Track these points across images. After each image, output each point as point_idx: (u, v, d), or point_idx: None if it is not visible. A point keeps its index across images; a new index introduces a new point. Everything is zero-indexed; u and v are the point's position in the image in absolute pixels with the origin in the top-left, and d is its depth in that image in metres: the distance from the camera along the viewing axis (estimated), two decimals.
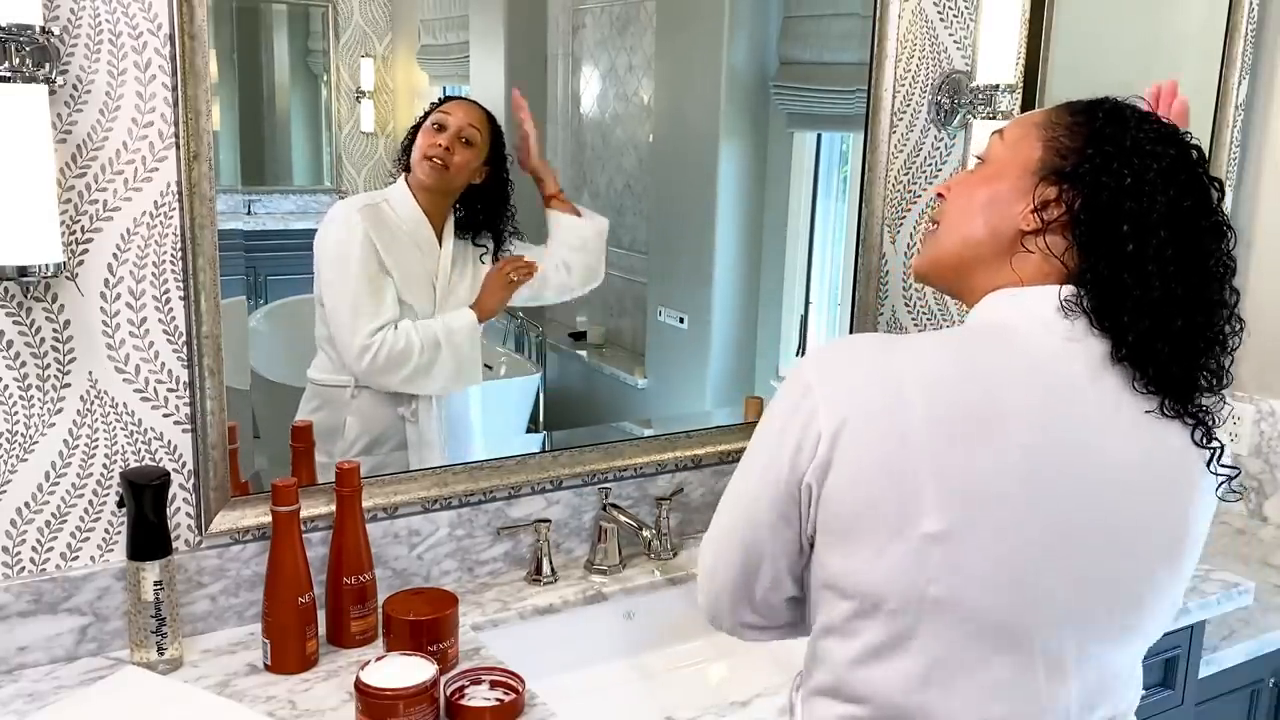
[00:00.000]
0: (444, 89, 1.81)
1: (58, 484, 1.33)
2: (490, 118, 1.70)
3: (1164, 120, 1.00)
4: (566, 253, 1.80)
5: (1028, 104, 1.96)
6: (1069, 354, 0.94)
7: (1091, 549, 0.93)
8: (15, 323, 1.27)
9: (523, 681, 1.28)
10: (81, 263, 1.29)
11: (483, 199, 1.72)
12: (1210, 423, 0.97)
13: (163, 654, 1.33)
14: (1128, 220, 0.93)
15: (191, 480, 1.40)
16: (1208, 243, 0.95)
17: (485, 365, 1.88)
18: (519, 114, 1.74)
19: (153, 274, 1.34)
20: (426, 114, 1.68)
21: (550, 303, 1.87)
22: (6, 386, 1.28)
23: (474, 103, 1.71)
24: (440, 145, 1.65)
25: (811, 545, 0.97)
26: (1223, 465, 0.96)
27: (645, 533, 1.66)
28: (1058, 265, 0.97)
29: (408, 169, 1.67)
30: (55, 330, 1.29)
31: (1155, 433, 0.94)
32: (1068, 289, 0.96)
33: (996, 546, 0.91)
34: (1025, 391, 0.93)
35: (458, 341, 1.68)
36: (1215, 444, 0.96)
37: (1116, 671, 0.99)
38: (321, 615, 1.40)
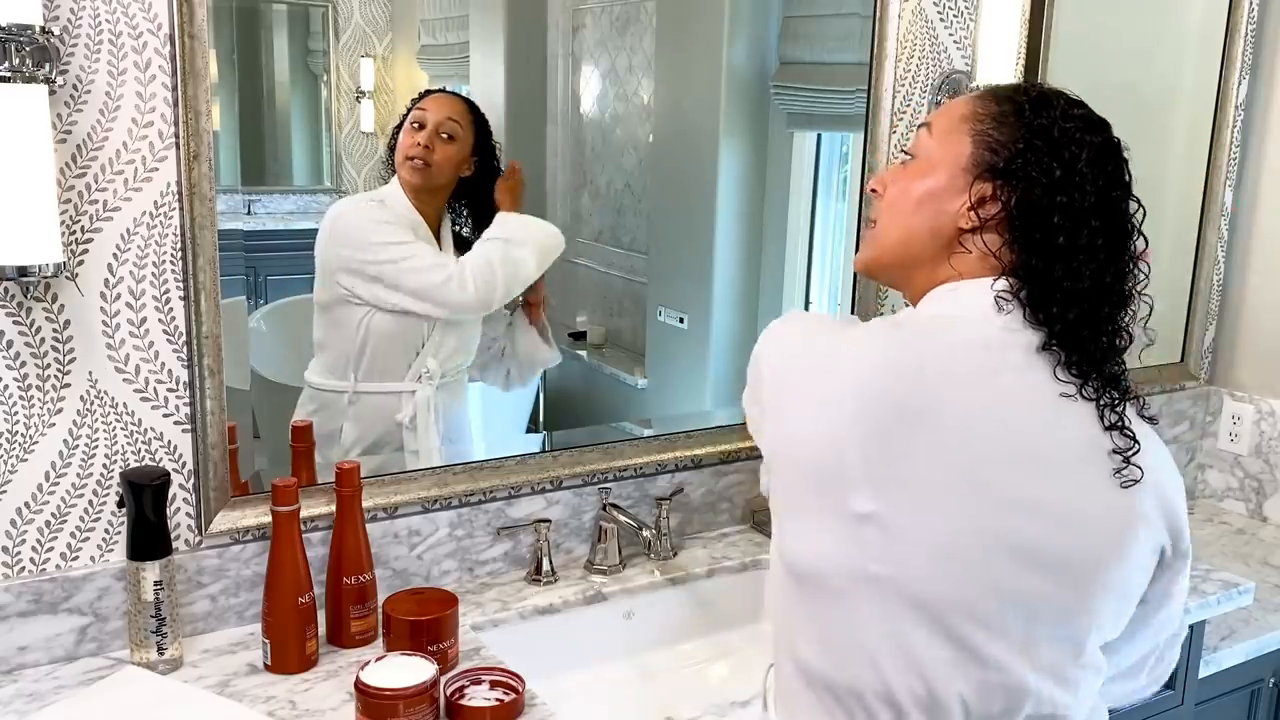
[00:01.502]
0: (444, 90, 1.81)
1: (58, 484, 1.33)
2: (472, 108, 1.67)
3: (1090, 108, 1.01)
4: (519, 362, 1.82)
5: None
6: (1006, 344, 0.96)
7: (1033, 532, 0.95)
8: (15, 323, 1.27)
9: (523, 681, 1.28)
10: (81, 263, 1.29)
11: (474, 191, 1.69)
12: (1140, 409, 1.00)
13: (163, 654, 1.33)
14: (1060, 213, 0.95)
15: (191, 480, 1.40)
16: (1131, 231, 0.98)
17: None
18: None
19: (153, 274, 1.34)
20: (407, 111, 1.65)
21: (489, 383, 1.86)
22: (6, 386, 1.28)
23: (453, 95, 1.69)
24: (419, 144, 1.63)
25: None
26: (1117, 452, 0.96)
27: (645, 533, 1.66)
28: (994, 263, 0.99)
29: (395, 170, 1.65)
30: (55, 330, 1.29)
31: (1085, 421, 0.96)
32: (1001, 283, 0.98)
33: (933, 528, 0.93)
34: (963, 381, 0.95)
35: (515, 242, 1.66)
36: (1125, 430, 0.97)
37: (1071, 655, 1.00)
38: (321, 615, 1.40)
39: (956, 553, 0.93)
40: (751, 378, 1.08)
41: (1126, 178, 0.99)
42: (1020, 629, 0.96)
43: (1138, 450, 0.97)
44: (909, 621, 0.94)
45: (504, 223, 1.68)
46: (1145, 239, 1.00)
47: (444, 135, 1.64)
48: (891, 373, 0.95)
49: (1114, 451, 0.96)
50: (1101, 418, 0.96)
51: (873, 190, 1.11)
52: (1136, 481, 0.97)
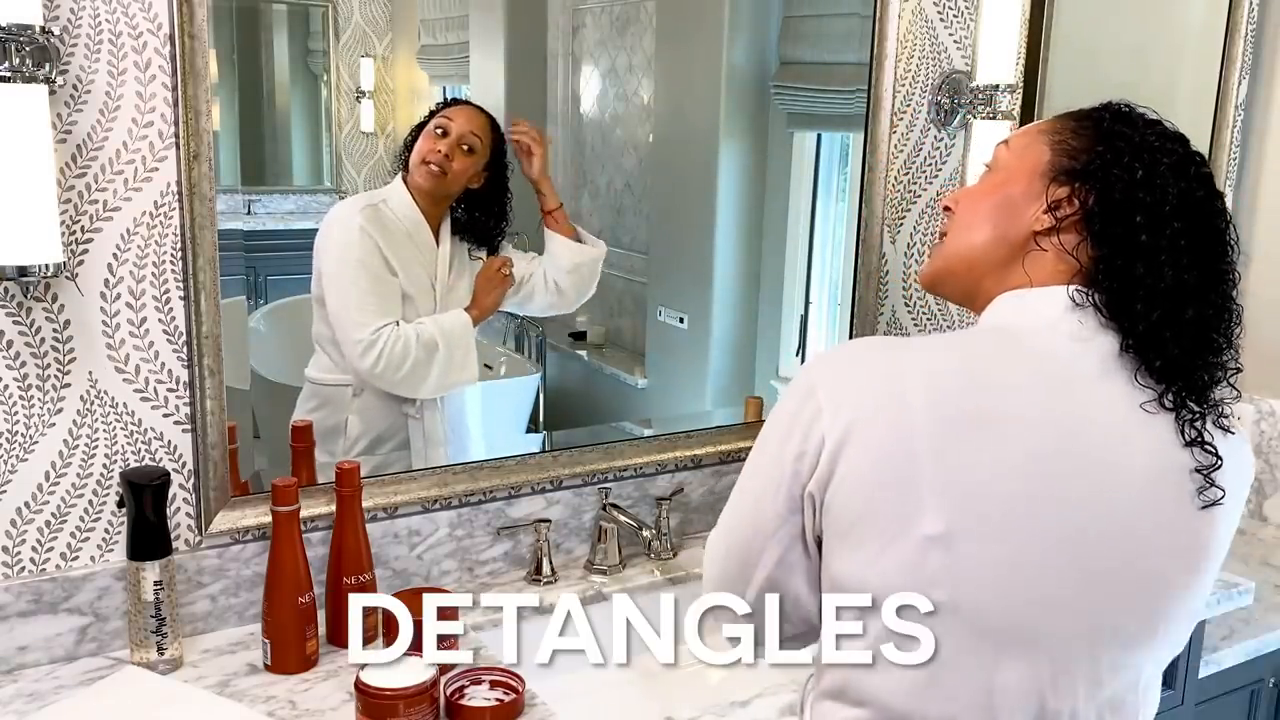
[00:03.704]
0: (444, 89, 1.81)
1: (58, 484, 1.33)
2: (493, 123, 1.69)
3: (1168, 123, 1.00)
4: (559, 274, 1.78)
5: (1028, 104, 1.96)
6: (1075, 354, 0.93)
7: (1101, 552, 0.92)
8: (15, 323, 1.27)
9: (523, 681, 1.28)
10: (81, 263, 1.29)
11: (480, 203, 1.71)
12: (1218, 418, 0.96)
13: (163, 654, 1.33)
14: (1141, 211, 0.93)
15: (191, 480, 1.40)
16: (1220, 235, 0.95)
17: (485, 365, 1.89)
18: (520, 137, 1.71)
19: (153, 274, 1.34)
20: (430, 116, 1.67)
21: (536, 314, 1.86)
22: (6, 386, 1.28)
23: (478, 108, 1.70)
24: (440, 151, 1.64)
25: (819, 548, 0.97)
26: (1199, 471, 0.93)
27: (645, 533, 1.66)
28: (1071, 262, 0.96)
29: (406, 169, 1.66)
30: (55, 330, 1.29)
31: (1163, 435, 0.93)
32: (1075, 285, 0.95)
33: (999, 548, 0.90)
34: (1030, 393, 0.92)
35: (453, 343, 1.68)
36: (1206, 446, 0.93)
37: (1130, 682, 0.97)
38: (321, 615, 1.40)
39: (1023, 574, 0.90)
40: (796, 406, 0.96)
41: (1212, 184, 0.97)
42: (1084, 653, 0.93)
43: (1220, 467, 0.93)
44: (971, 648, 0.91)
45: (454, 324, 1.68)
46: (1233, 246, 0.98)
47: (464, 147, 1.66)
48: (960, 380, 0.92)
49: (1196, 470, 0.93)
50: (1181, 433, 0.92)
51: (946, 208, 1.09)
52: (1217, 503, 0.93)
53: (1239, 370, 0.99)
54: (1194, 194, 0.94)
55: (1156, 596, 0.94)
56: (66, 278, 1.28)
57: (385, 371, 1.63)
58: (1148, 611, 0.95)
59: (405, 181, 1.66)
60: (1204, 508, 0.93)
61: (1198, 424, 0.93)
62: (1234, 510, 0.97)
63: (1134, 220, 0.93)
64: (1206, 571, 0.96)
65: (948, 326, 2.03)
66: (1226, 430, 0.97)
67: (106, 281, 1.31)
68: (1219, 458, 0.93)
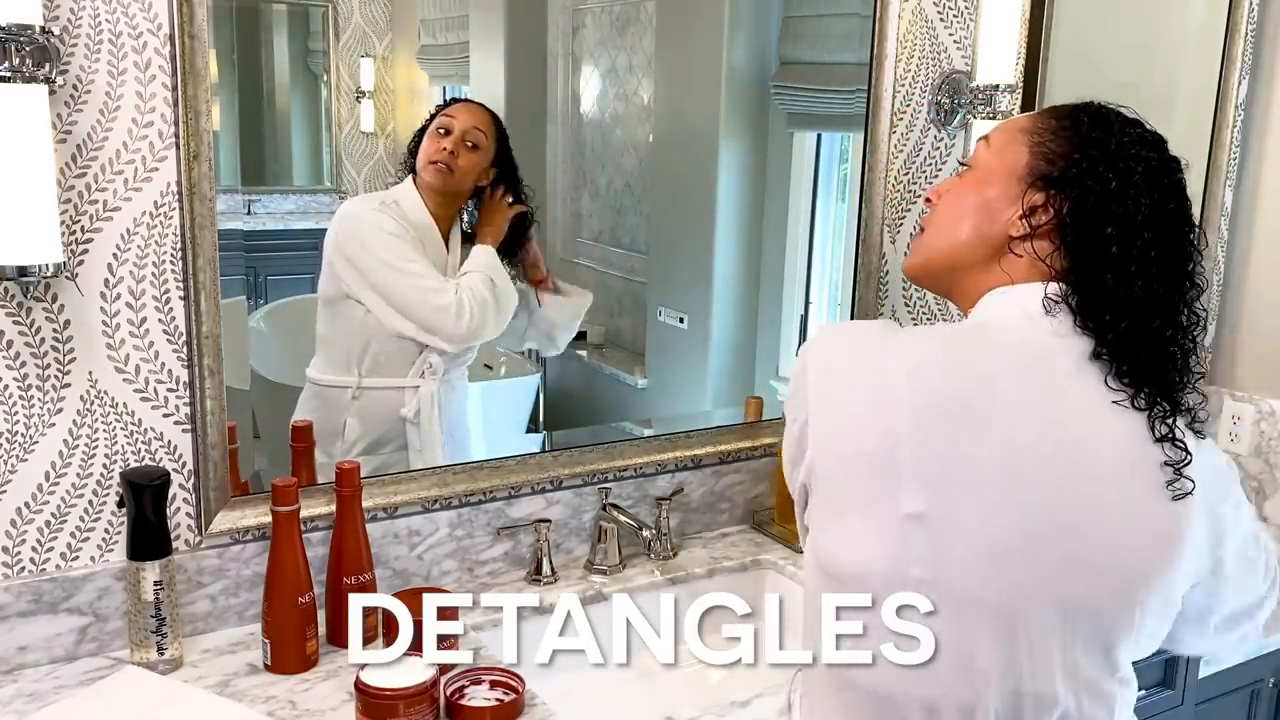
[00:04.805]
0: (444, 89, 1.81)
1: (58, 484, 1.33)
2: (495, 119, 1.70)
3: (1148, 126, 1.02)
4: (550, 326, 1.83)
5: (1028, 104, 1.96)
6: (1055, 348, 0.97)
7: (1075, 537, 0.94)
8: (15, 323, 1.27)
9: (523, 681, 1.28)
10: (81, 263, 1.29)
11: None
12: (1191, 421, 0.98)
13: (163, 654, 1.33)
14: (1112, 223, 0.96)
15: (191, 480, 1.40)
16: (1189, 246, 0.98)
17: (485, 365, 1.89)
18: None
19: (153, 274, 1.34)
20: (431, 117, 1.67)
21: (528, 347, 1.90)
22: (6, 386, 1.28)
23: (479, 105, 1.71)
24: (445, 150, 1.65)
25: (806, 531, 1.01)
26: (1169, 465, 0.96)
27: (645, 533, 1.66)
28: (1044, 268, 0.99)
29: (414, 172, 1.67)
30: (55, 330, 1.29)
31: (1136, 430, 0.96)
32: (1052, 287, 0.98)
33: (979, 529, 0.93)
34: (1012, 383, 0.95)
35: (495, 273, 1.69)
36: (1176, 442, 0.96)
37: (1108, 668, 0.99)
38: (321, 615, 1.40)
39: (1000, 555, 0.93)
40: (794, 385, 1.03)
41: (1184, 194, 0.99)
42: (1058, 636, 0.95)
43: (1189, 461, 0.96)
44: (950, 628, 0.93)
45: (484, 256, 1.69)
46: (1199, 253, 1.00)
47: (469, 144, 1.66)
48: (943, 369, 0.96)
49: (1165, 464, 0.96)
50: (1152, 429, 0.96)
51: (927, 200, 1.12)
52: (1189, 493, 0.96)
53: (1202, 375, 1.01)
54: (1166, 205, 0.97)
55: (1130, 582, 0.97)
56: (66, 278, 1.28)
57: (475, 322, 1.65)
58: (1122, 596, 0.97)
59: (415, 183, 1.67)
60: (1175, 498, 0.96)
61: (1169, 421, 0.97)
62: (1210, 508, 0.99)
63: (1105, 232, 0.96)
64: (1177, 560, 0.98)
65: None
66: (1199, 435, 1.01)
67: (106, 281, 1.31)
68: (1188, 453, 0.96)
